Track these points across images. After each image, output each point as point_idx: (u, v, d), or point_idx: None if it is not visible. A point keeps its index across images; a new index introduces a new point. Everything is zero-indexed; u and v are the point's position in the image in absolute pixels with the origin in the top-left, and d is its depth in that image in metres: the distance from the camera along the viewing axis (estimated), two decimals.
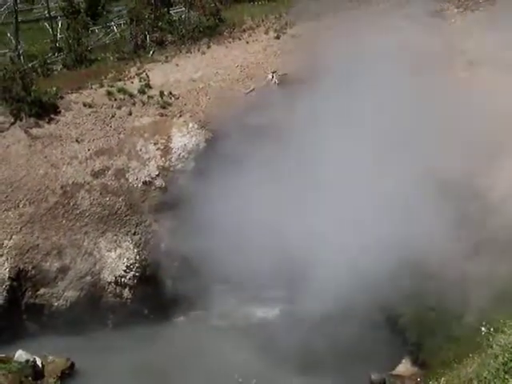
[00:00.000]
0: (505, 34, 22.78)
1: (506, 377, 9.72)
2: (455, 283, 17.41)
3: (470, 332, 15.15)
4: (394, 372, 17.65)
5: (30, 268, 20.62)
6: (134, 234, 21.73)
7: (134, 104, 24.18)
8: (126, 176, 22.49)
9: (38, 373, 18.39)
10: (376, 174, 19.68)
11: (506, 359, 10.07)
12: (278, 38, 27.69)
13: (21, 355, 18.62)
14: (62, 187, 21.80)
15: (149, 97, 24.39)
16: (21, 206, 21.23)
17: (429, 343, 17.39)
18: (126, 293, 21.27)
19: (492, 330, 11.65)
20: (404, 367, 17.56)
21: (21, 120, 22.95)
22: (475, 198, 19.36)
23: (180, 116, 23.88)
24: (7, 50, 28.82)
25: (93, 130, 23.22)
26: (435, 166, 19.90)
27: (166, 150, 22.96)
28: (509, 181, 19.39)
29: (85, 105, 23.86)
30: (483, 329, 12.01)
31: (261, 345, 19.54)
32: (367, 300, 17.87)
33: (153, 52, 27.93)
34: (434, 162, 19.92)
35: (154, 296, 21.47)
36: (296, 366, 18.45)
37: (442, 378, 11.41)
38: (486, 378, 10.06)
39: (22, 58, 27.89)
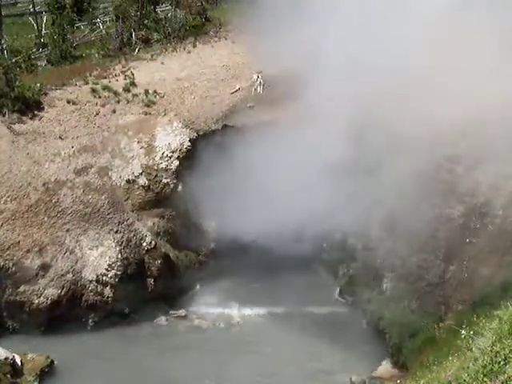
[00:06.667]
0: None
1: (485, 380, 9.76)
2: None
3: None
4: (374, 374, 17.74)
5: (10, 265, 20.42)
6: (117, 232, 21.60)
7: (118, 102, 24.06)
8: (109, 174, 22.38)
9: (17, 370, 18.25)
10: None
11: (485, 362, 10.12)
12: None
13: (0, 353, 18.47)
14: (44, 184, 21.62)
15: (133, 95, 24.29)
16: (2, 202, 21.03)
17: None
18: (107, 291, 21.14)
19: (472, 332, 11.72)
20: (384, 369, 17.65)
21: (4, 115, 22.73)
22: None
23: (164, 115, 23.79)
24: None
25: (76, 127, 23.06)
26: None
27: (150, 149, 22.88)
28: None
29: (69, 102, 23.70)
30: (463, 332, 12.07)
31: None
32: None
33: (138, 50, 27.82)
34: None
35: (135, 295, 21.42)
36: None
37: (422, 381, 11.46)
38: (465, 380, 10.10)
39: (5, 52, 27.62)
